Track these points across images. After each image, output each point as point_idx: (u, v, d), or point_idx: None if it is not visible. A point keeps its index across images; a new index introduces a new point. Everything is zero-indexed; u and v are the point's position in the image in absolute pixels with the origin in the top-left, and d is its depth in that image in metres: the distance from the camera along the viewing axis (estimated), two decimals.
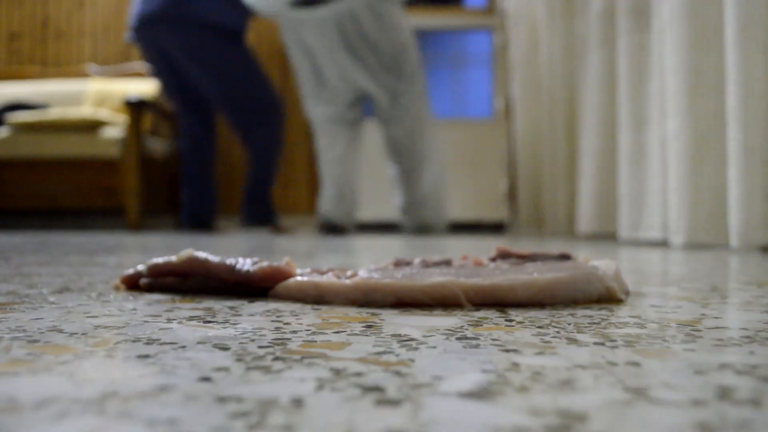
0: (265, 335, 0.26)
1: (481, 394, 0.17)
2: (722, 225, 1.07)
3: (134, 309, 0.34)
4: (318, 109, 2.08)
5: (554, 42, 1.93)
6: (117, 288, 0.43)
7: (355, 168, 2.10)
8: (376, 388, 0.18)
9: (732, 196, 0.97)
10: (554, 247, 1.16)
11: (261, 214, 2.29)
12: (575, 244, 1.31)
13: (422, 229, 2.15)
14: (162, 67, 2.20)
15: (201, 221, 2.30)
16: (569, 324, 0.29)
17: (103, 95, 2.76)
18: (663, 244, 1.26)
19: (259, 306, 0.35)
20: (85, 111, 2.53)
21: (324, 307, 0.35)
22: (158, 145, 2.67)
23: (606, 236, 1.61)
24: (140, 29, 2.14)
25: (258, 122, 2.23)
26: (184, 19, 2.08)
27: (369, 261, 0.73)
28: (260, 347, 0.24)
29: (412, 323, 0.30)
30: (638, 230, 1.33)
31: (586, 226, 1.65)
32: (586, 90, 1.67)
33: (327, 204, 2.07)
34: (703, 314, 0.33)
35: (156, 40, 2.14)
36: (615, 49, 1.53)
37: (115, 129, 2.45)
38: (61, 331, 0.27)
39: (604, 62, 1.58)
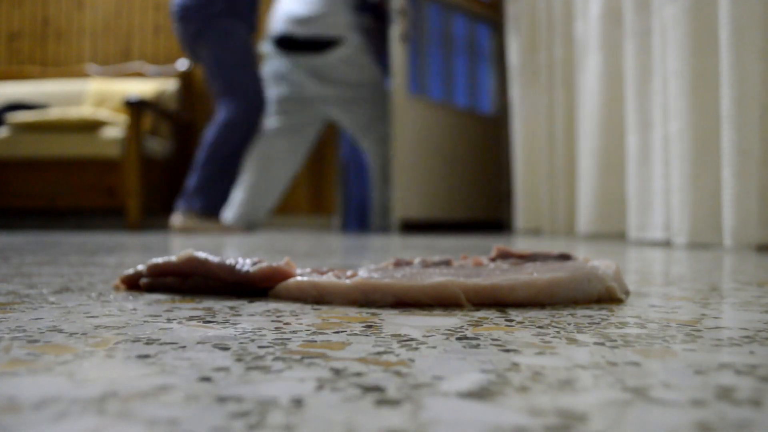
0: (265, 335, 0.26)
1: (481, 394, 0.17)
2: (720, 225, 1.07)
3: (134, 309, 0.34)
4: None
5: (554, 44, 1.93)
6: (117, 288, 0.43)
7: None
8: (376, 388, 0.18)
9: (726, 196, 0.97)
10: (557, 247, 1.16)
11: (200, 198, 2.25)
12: (579, 245, 1.31)
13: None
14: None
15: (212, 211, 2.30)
16: (569, 324, 0.29)
17: (103, 95, 2.75)
18: (666, 244, 1.26)
19: (259, 306, 0.35)
20: (85, 111, 2.53)
21: (324, 307, 0.35)
22: (158, 145, 2.67)
23: (608, 236, 1.61)
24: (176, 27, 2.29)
25: (232, 96, 2.26)
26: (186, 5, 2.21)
27: (369, 261, 0.73)
28: (260, 347, 0.24)
29: (412, 323, 0.30)
30: (645, 231, 1.33)
31: (587, 227, 1.65)
32: (585, 91, 1.68)
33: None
34: (703, 314, 0.33)
35: (182, 36, 2.28)
36: (620, 50, 1.53)
37: (115, 129, 2.45)
38: (61, 331, 0.27)
39: (605, 64, 1.58)
